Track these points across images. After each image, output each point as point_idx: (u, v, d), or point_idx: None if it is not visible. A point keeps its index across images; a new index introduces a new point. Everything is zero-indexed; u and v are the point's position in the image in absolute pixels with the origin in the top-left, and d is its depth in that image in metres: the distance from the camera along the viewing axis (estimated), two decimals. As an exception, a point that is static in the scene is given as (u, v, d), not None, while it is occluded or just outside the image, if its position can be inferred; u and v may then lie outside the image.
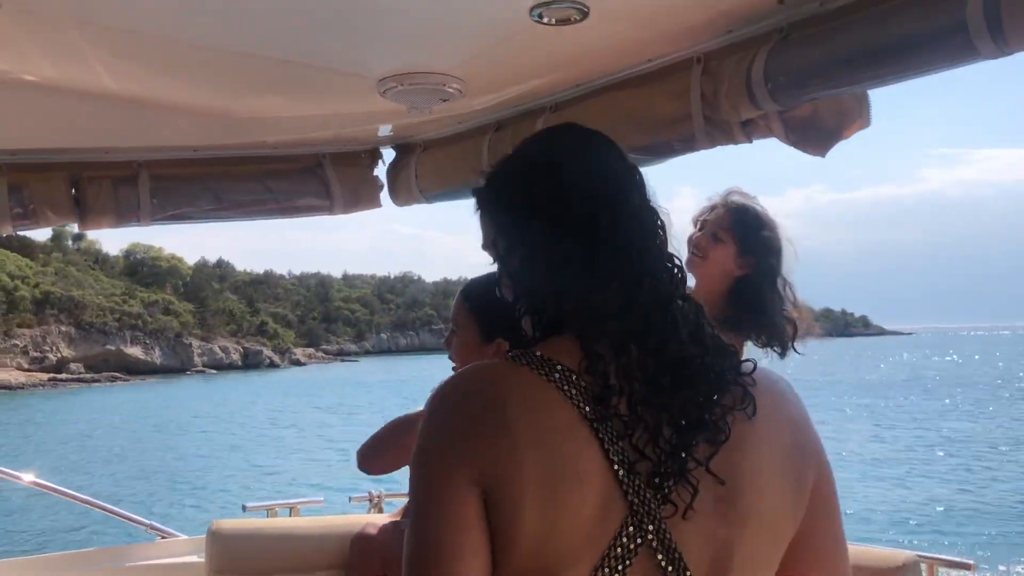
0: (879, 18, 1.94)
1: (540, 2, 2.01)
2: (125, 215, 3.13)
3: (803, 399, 1.24)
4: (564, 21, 2.10)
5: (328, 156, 3.35)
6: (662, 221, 1.22)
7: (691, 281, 2.96)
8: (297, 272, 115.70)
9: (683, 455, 1.08)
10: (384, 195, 3.44)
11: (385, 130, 3.28)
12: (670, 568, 1.06)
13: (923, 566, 2.75)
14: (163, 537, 3.81)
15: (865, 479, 20.87)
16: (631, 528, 1.05)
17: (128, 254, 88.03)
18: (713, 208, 2.73)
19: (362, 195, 3.37)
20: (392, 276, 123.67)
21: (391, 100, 2.59)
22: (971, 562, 2.81)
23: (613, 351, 1.10)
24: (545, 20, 2.08)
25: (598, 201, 1.17)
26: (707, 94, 2.34)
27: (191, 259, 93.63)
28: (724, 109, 2.30)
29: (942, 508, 18.38)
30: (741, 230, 2.67)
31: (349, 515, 3.68)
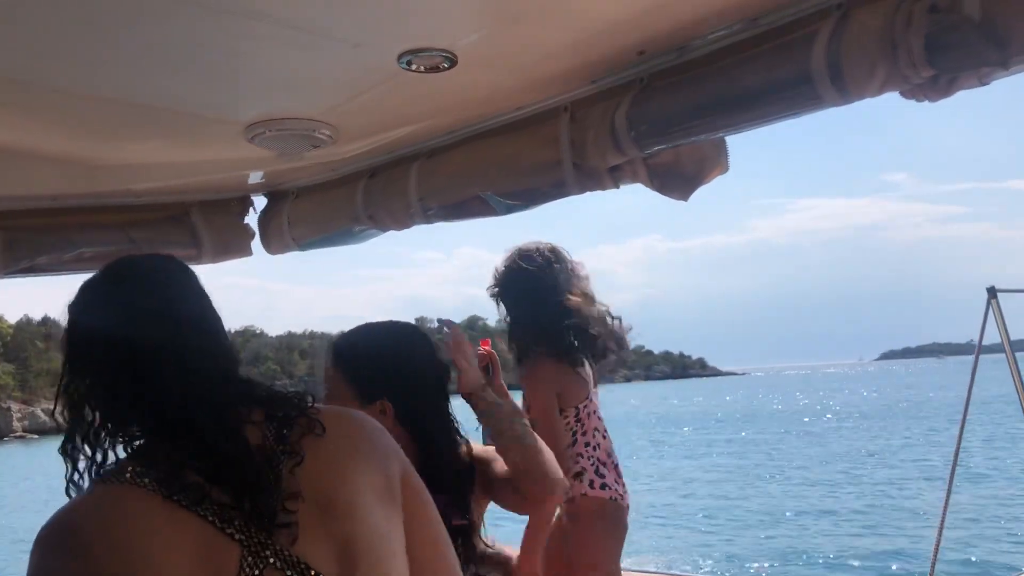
0: (731, 69, 2.04)
1: (408, 49, 2.04)
2: (-25, 266, 2.95)
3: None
4: (433, 69, 2.13)
5: (197, 204, 3.27)
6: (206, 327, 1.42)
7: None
8: None
9: (269, 484, 1.26)
10: (256, 243, 3.37)
11: (256, 177, 3.22)
12: (296, 571, 1.22)
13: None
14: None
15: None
16: (249, 559, 1.21)
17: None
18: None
19: (232, 244, 3.29)
20: (233, 330, 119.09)
21: (260, 146, 2.56)
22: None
23: (172, 442, 1.28)
24: (414, 68, 2.11)
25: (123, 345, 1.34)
26: (575, 141, 2.40)
27: (12, 317, 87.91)
28: (592, 156, 2.37)
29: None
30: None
31: None
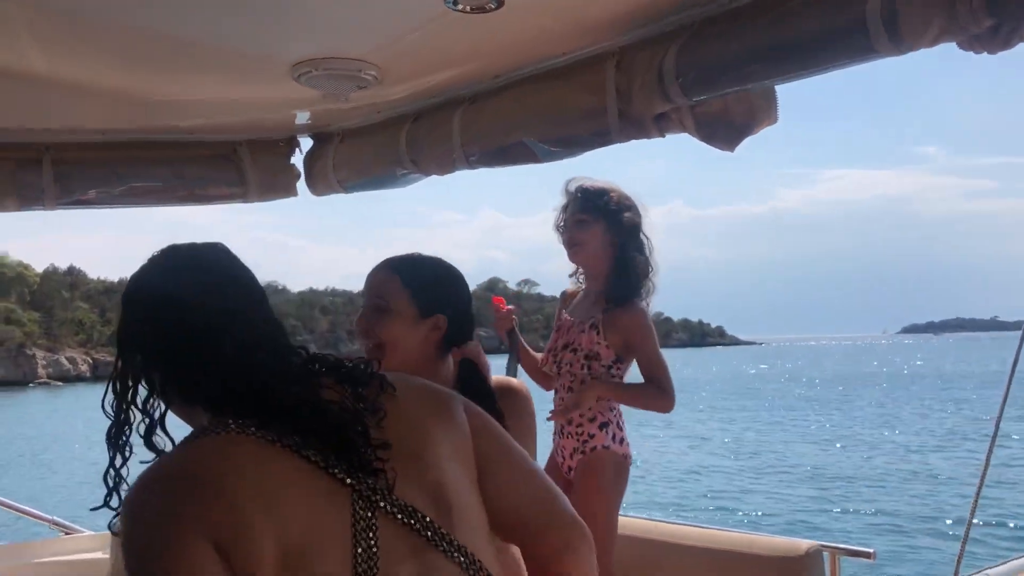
0: (784, 16, 1.99)
1: (455, -12, 2.02)
2: (28, 199, 3.02)
3: None
4: (479, 9, 2.10)
5: (244, 143, 3.29)
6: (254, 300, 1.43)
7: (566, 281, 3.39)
8: None
9: (362, 437, 1.29)
10: (301, 184, 3.40)
11: (303, 118, 3.24)
12: (407, 519, 1.26)
13: (825, 555, 2.83)
14: (67, 533, 3.70)
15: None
16: (360, 502, 1.23)
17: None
18: (565, 206, 3.17)
19: (278, 183, 3.32)
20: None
21: (306, 85, 2.56)
22: (871, 551, 2.90)
23: (271, 408, 1.29)
24: (460, 7, 2.08)
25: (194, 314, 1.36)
26: (622, 88, 2.37)
27: (40, 266, 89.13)
28: (638, 103, 2.34)
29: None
30: (596, 209, 3.09)
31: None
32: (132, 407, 1.36)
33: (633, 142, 2.48)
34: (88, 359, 79.08)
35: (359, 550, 1.20)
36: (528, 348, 3.36)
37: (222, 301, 1.38)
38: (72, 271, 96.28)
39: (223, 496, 1.18)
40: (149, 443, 1.34)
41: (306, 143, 3.39)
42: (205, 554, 1.14)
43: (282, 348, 1.40)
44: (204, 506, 1.17)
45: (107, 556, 3.40)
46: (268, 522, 1.17)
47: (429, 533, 1.26)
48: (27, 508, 3.89)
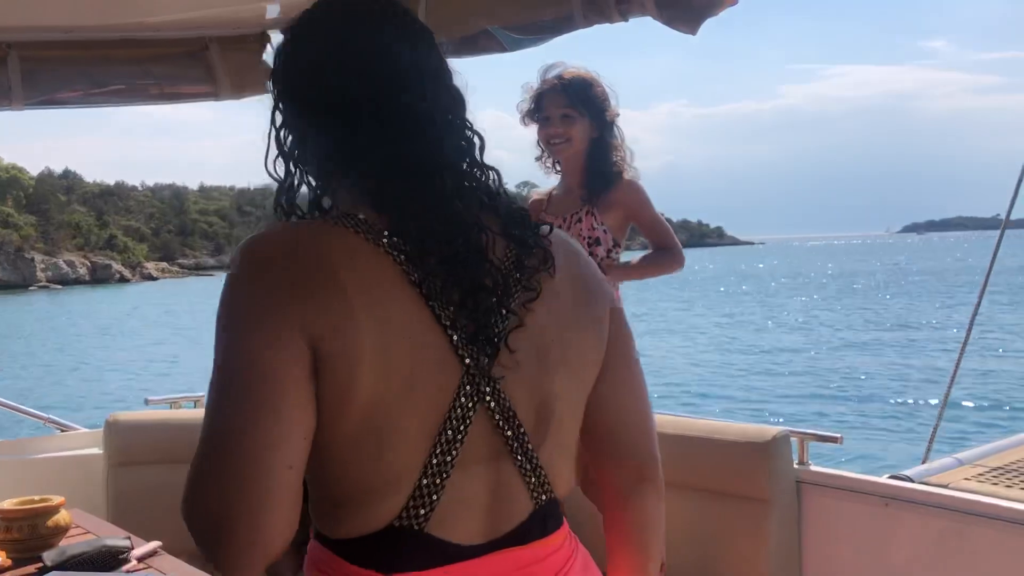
0: None
1: None
2: (-6, 98, 3.01)
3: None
4: None
5: (214, 40, 3.25)
6: (453, 100, 1.19)
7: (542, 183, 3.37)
8: (151, 183, 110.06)
9: (503, 312, 1.10)
10: (274, 81, 3.36)
11: (273, 11, 3.19)
12: (503, 424, 1.10)
13: (793, 440, 2.88)
14: (62, 430, 3.79)
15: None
16: (468, 388, 1.07)
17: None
18: (540, 96, 3.09)
19: (249, 80, 3.28)
20: (253, 188, 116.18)
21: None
22: (838, 435, 2.95)
23: (416, 224, 1.09)
24: None
25: (354, 86, 1.13)
26: (582, -30, 2.32)
27: (34, 170, 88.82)
28: (598, -15, 2.29)
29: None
30: (580, 99, 3.06)
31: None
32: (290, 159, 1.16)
33: (633, 33, 2.44)
34: (86, 262, 79.61)
35: (446, 435, 1.06)
36: None
37: (420, 80, 1.14)
38: (68, 174, 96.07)
39: (341, 299, 1.02)
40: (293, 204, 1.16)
41: (277, 38, 3.33)
42: (296, 352, 1.00)
43: (462, 149, 1.17)
44: (318, 298, 1.02)
45: (101, 452, 3.50)
46: (376, 355, 1.02)
47: (515, 444, 1.11)
48: (19, 405, 3.98)
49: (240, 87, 3.28)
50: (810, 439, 2.91)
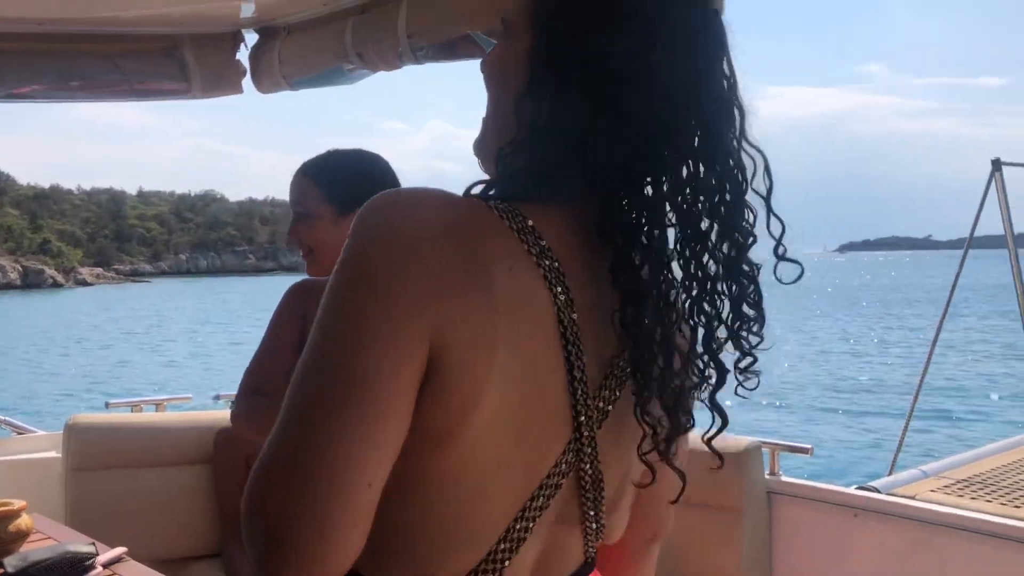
0: None
1: None
2: (-39, 91, 2.94)
3: None
4: None
5: (187, 37, 3.20)
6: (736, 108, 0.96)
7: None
8: (87, 187, 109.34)
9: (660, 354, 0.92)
10: (247, 81, 3.32)
11: (247, 11, 3.14)
12: (591, 491, 0.96)
13: (765, 451, 2.91)
14: (18, 432, 3.70)
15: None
16: (570, 455, 0.93)
17: None
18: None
19: (222, 80, 3.23)
20: (193, 194, 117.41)
21: (246, -27, 2.48)
22: (809, 447, 2.98)
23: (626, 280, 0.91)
24: None
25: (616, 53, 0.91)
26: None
27: None
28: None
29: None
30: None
31: (214, 411, 3.64)
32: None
33: None
34: (18, 267, 78.20)
35: (535, 502, 0.91)
36: None
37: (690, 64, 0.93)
38: (0, 176, 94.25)
39: (488, 305, 0.84)
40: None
41: (251, 38, 3.30)
42: (418, 357, 0.82)
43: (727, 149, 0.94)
44: (465, 298, 0.83)
45: (59, 455, 3.41)
46: (504, 386, 0.85)
47: (590, 508, 0.97)
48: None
49: (212, 86, 3.23)
50: (781, 450, 2.94)
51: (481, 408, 0.84)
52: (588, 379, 0.91)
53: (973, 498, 2.99)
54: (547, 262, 0.89)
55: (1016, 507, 3.46)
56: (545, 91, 0.92)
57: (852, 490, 2.89)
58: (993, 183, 3.89)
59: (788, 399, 19.88)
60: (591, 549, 1.02)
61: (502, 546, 0.91)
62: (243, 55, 3.31)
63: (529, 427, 0.88)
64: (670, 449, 0.96)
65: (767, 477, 2.88)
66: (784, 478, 2.89)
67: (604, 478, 0.96)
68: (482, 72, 1.03)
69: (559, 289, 0.89)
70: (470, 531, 0.90)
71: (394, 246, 0.83)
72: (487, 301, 0.84)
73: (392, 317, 0.81)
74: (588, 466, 0.94)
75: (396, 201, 0.87)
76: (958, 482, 3.09)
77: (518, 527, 0.91)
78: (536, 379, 0.88)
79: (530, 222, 0.90)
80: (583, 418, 0.91)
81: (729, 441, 2.85)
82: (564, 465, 0.92)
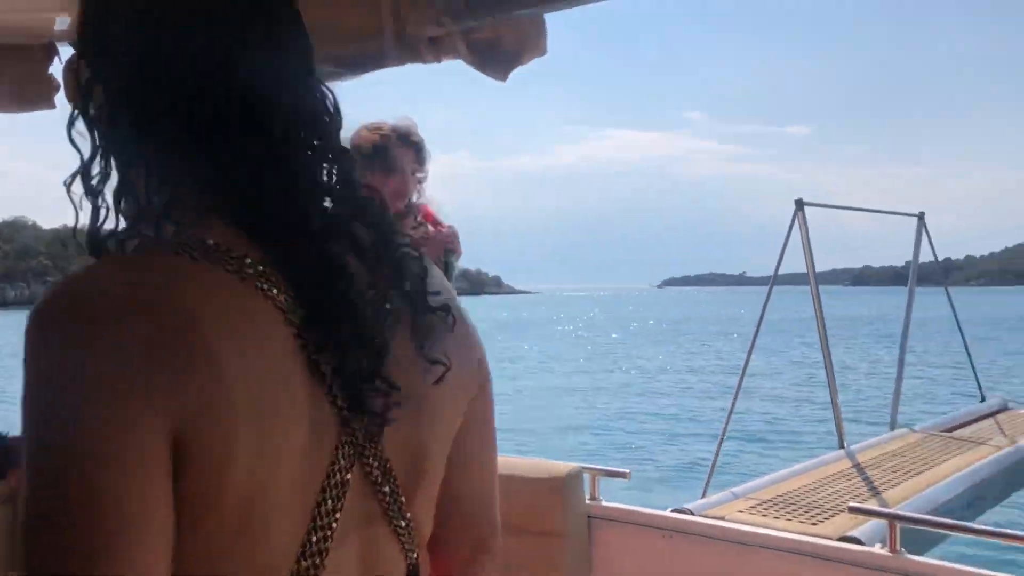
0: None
1: None
2: None
3: None
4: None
5: (-6, 47, 3.01)
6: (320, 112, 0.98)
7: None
8: None
9: (380, 356, 0.93)
10: (60, 97, 3.15)
11: (62, 24, 3.00)
12: (381, 483, 0.95)
13: (586, 476, 2.99)
14: None
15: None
16: (347, 447, 0.91)
17: None
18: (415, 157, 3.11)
19: (32, 94, 3.06)
20: (0, 221, 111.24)
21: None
22: (627, 471, 3.09)
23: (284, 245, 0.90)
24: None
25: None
26: (396, 8, 2.35)
27: None
28: (411, 25, 2.33)
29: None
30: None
31: None
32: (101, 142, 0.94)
33: (412, 78, 2.48)
34: None
35: (324, 507, 0.89)
36: None
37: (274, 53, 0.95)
38: None
39: (210, 364, 0.79)
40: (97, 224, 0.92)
41: (66, 52, 3.14)
42: (160, 444, 0.78)
43: (326, 163, 0.96)
44: (184, 368, 0.79)
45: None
46: (252, 424, 0.82)
47: (390, 502, 0.97)
48: None
49: (22, 100, 3.05)
50: (601, 475, 3.03)
51: (238, 459, 0.81)
52: (338, 377, 0.89)
53: (776, 517, 3.19)
54: (250, 271, 0.86)
55: (813, 524, 3.75)
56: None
57: (667, 513, 3.02)
58: (796, 221, 4.22)
59: (608, 424, 20.66)
60: (411, 555, 1.01)
61: (303, 563, 0.88)
62: (57, 68, 3.15)
63: (294, 437, 0.86)
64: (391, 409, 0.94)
65: (588, 502, 2.96)
66: (604, 503, 2.98)
67: (394, 466, 0.96)
68: None
69: (275, 291, 0.87)
70: (266, 563, 0.87)
71: (85, 336, 0.78)
72: (207, 358, 0.80)
73: (115, 411, 0.77)
74: (370, 457, 0.93)
75: (73, 289, 0.82)
76: (763, 502, 3.28)
77: (314, 539, 0.88)
78: (290, 390, 0.86)
79: (211, 241, 0.87)
80: (346, 412, 0.90)
81: (551, 467, 2.92)
82: (343, 460, 0.90)
